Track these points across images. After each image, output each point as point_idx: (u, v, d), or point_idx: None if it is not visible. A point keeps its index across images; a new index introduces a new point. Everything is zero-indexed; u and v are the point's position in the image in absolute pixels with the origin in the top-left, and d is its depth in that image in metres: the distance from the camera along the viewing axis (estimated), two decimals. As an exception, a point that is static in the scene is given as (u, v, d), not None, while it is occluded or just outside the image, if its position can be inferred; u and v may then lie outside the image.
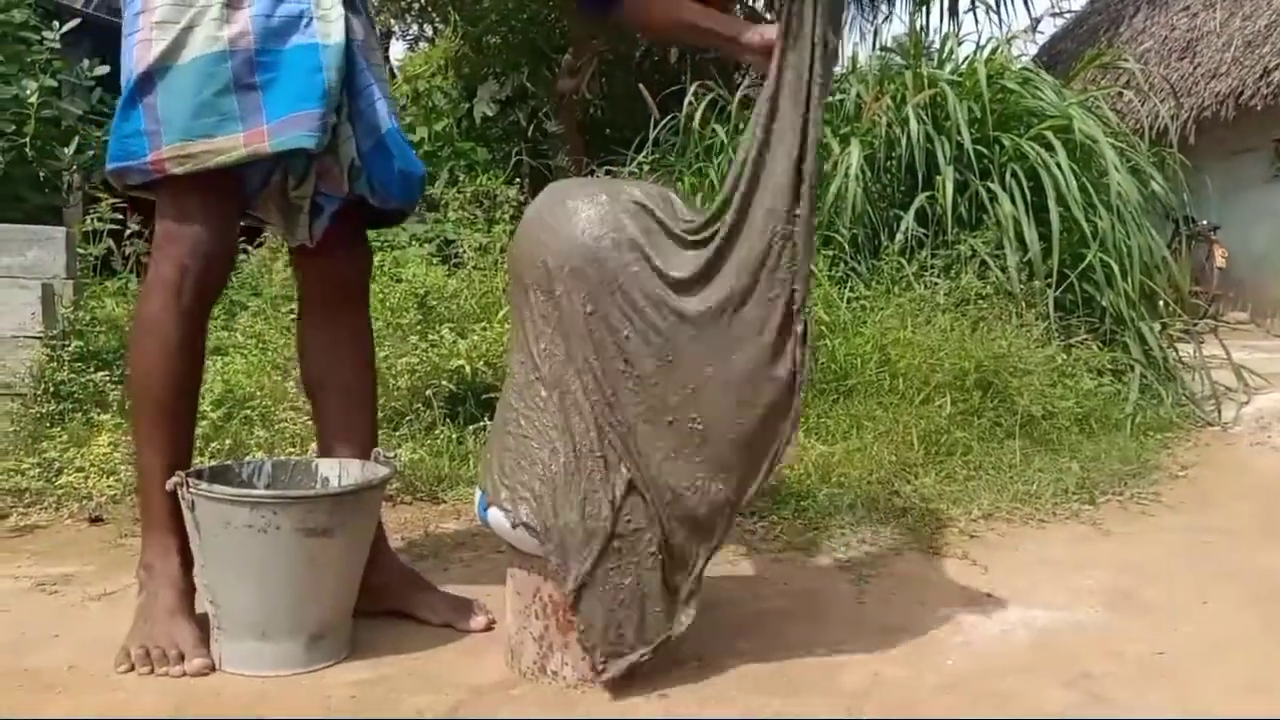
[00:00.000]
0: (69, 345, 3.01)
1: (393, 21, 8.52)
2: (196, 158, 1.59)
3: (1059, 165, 3.92)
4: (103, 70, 4.44)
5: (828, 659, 1.69)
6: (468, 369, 3.09)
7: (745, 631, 1.78)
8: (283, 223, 1.79)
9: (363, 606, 1.73)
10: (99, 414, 2.83)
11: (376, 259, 3.93)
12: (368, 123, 1.71)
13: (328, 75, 1.63)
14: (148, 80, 1.60)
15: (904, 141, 4.09)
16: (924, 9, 7.31)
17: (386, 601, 1.82)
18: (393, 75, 5.44)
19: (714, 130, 4.64)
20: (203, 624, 1.63)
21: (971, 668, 1.67)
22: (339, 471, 1.80)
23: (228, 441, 2.69)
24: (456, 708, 1.48)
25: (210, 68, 1.59)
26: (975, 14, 10.64)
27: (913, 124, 4.04)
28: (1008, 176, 3.98)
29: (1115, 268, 3.91)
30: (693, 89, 4.75)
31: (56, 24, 4.22)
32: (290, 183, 1.73)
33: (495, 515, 1.57)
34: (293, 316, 3.63)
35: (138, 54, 1.62)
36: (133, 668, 1.56)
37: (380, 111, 1.72)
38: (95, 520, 2.39)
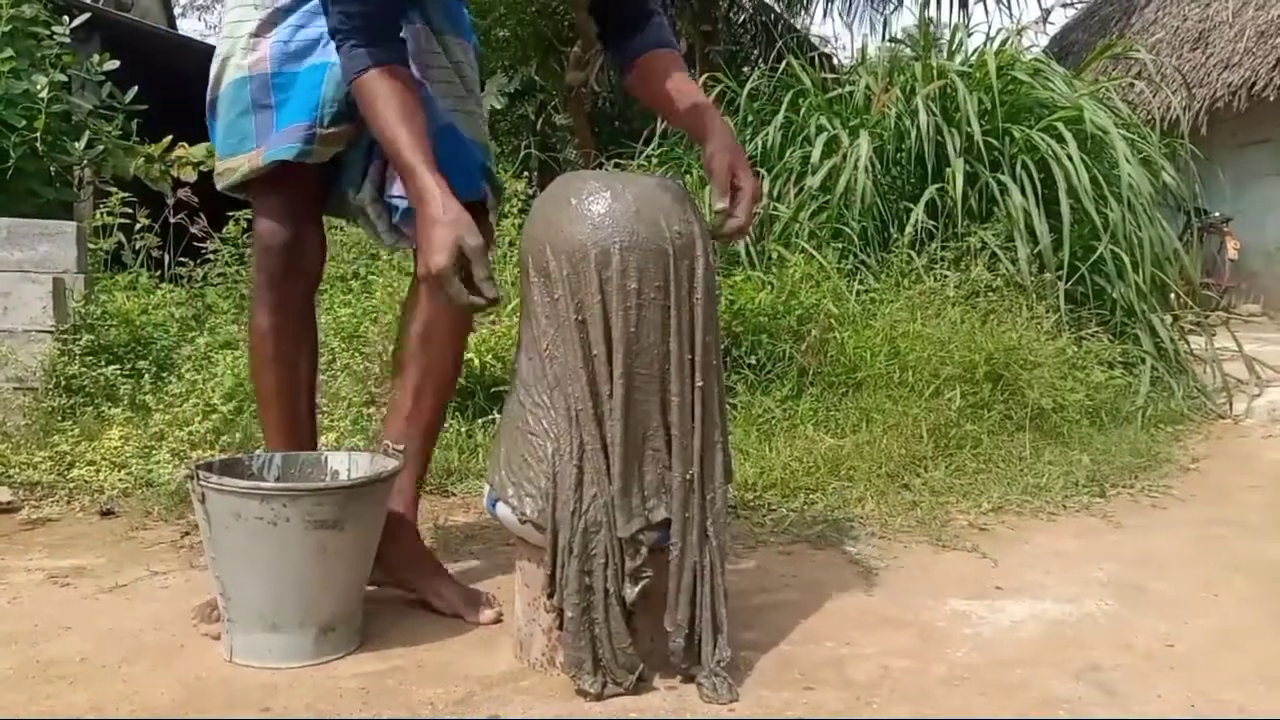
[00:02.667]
0: (80, 339, 3.03)
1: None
2: (225, 175, 1.80)
3: (1070, 157, 3.90)
4: (113, 65, 4.44)
5: (837, 651, 1.69)
6: (476, 362, 3.09)
7: (754, 624, 1.78)
8: (368, 227, 1.91)
9: (376, 578, 1.77)
10: (110, 408, 2.84)
11: (386, 250, 3.94)
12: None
13: (324, 90, 1.74)
14: (211, 106, 1.83)
15: (913, 133, 4.08)
16: (934, 0, 7.28)
17: (399, 573, 1.85)
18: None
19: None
20: None
21: (981, 660, 1.67)
22: (348, 464, 1.81)
23: (238, 435, 2.70)
24: (466, 699, 1.48)
25: (234, 93, 1.78)
26: (985, 5, 10.60)
27: (922, 116, 4.03)
28: (1018, 168, 3.96)
29: (1126, 260, 3.89)
30: (701, 81, 4.74)
31: (66, 19, 4.22)
32: (351, 192, 1.83)
33: (503, 510, 1.57)
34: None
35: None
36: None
37: (432, 110, 1.74)
38: (106, 513, 2.40)
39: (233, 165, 1.78)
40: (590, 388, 1.50)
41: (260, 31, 1.76)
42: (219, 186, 1.83)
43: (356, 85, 1.59)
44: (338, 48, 1.61)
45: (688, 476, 1.52)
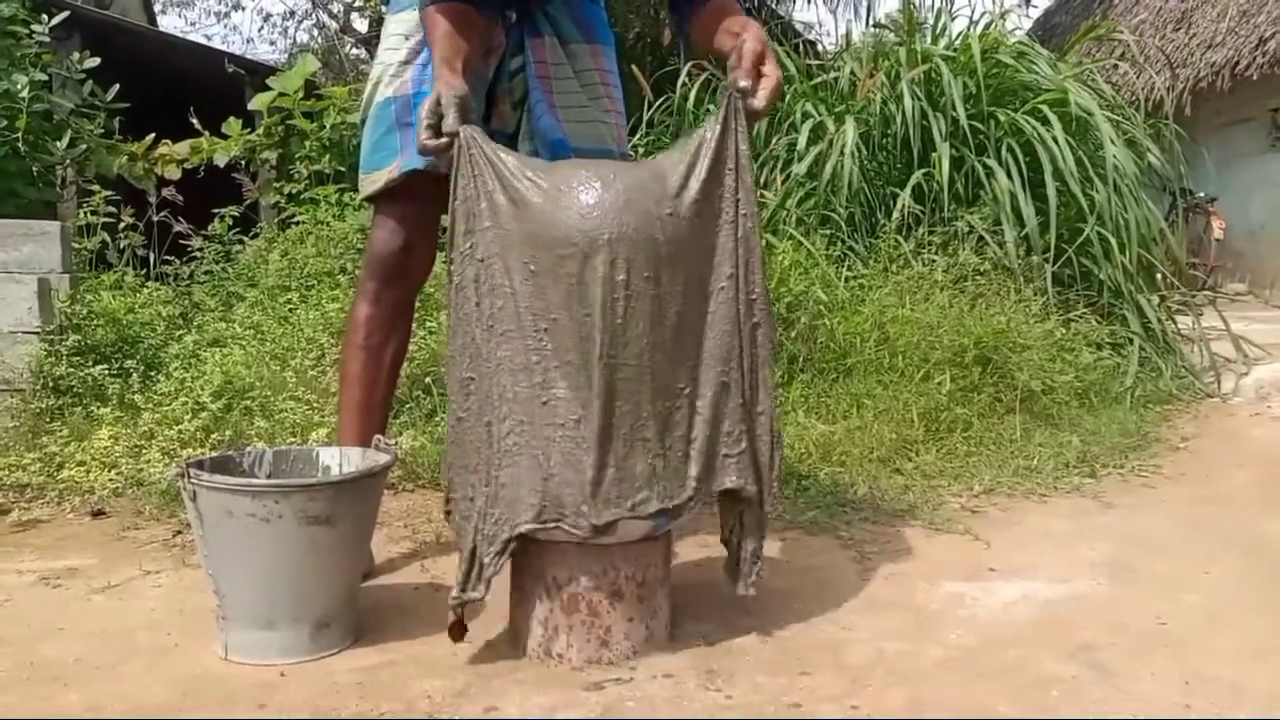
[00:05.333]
0: (67, 340, 3.00)
1: (385, 7, 8.47)
2: (367, 185, 1.98)
3: (1055, 139, 3.90)
4: (93, 63, 4.41)
5: (832, 636, 1.69)
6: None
7: (749, 610, 1.79)
8: None
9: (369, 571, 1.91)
10: (99, 408, 2.83)
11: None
12: (539, 136, 1.90)
13: None
14: (363, 124, 2.02)
15: (899, 118, 4.08)
16: (916, -16, 7.25)
17: None
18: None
19: (709, 111, 4.63)
20: None
21: (975, 641, 1.68)
22: (340, 459, 1.81)
23: (228, 432, 2.69)
24: (464, 691, 1.48)
25: (380, 113, 1.96)
26: (969, -11, 10.58)
27: (907, 101, 4.02)
28: (1004, 151, 3.96)
29: (1113, 241, 3.90)
30: (686, 70, 4.73)
31: (45, 17, 4.19)
32: None
33: None
34: (290, 307, 3.64)
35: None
36: None
37: (546, 124, 1.89)
38: (97, 514, 2.39)
39: (376, 178, 1.95)
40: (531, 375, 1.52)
41: (408, 59, 1.94)
42: (360, 195, 2.04)
43: (423, 15, 1.79)
44: None
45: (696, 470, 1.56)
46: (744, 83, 1.65)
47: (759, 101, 1.68)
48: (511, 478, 1.52)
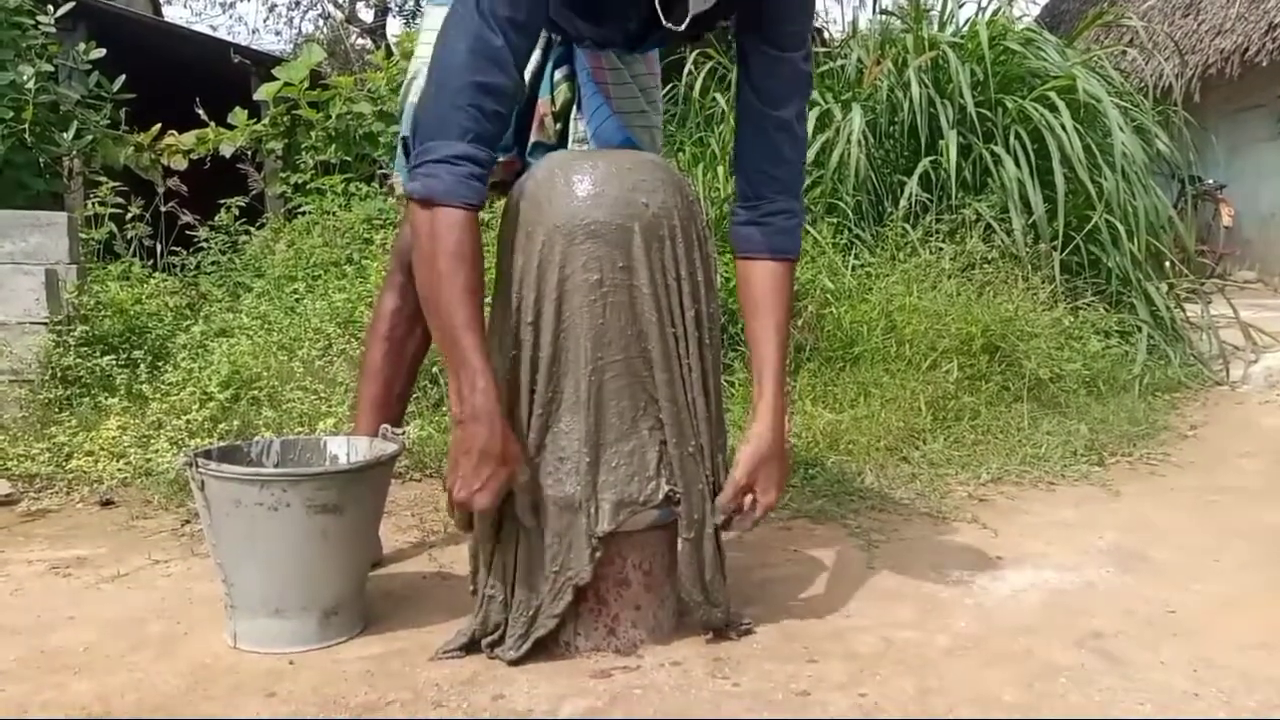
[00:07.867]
0: (74, 330, 3.01)
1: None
2: (394, 186, 1.89)
3: (1063, 126, 3.89)
4: (99, 53, 4.41)
5: (839, 624, 1.69)
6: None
7: (756, 599, 1.79)
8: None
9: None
10: (107, 398, 2.83)
11: (379, 235, 3.93)
12: (602, 140, 1.85)
13: None
14: (400, 116, 1.98)
15: (906, 106, 4.06)
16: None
17: None
18: (389, 52, 5.40)
19: (715, 99, 4.61)
20: None
21: (983, 629, 1.67)
22: (347, 449, 1.81)
23: (236, 422, 2.70)
24: (471, 680, 1.49)
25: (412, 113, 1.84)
26: (976, -25, 10.53)
27: (914, 88, 4.01)
28: (1011, 139, 3.95)
29: (1121, 229, 3.89)
30: (692, 58, 4.72)
31: (51, 8, 4.19)
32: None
33: None
34: (296, 297, 3.64)
35: None
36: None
37: (609, 128, 1.84)
38: (106, 503, 2.40)
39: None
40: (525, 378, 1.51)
41: None
42: (396, 191, 1.97)
43: (416, 223, 1.46)
44: (417, 165, 1.45)
45: (690, 450, 1.54)
46: (719, 517, 1.60)
47: (734, 534, 1.65)
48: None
